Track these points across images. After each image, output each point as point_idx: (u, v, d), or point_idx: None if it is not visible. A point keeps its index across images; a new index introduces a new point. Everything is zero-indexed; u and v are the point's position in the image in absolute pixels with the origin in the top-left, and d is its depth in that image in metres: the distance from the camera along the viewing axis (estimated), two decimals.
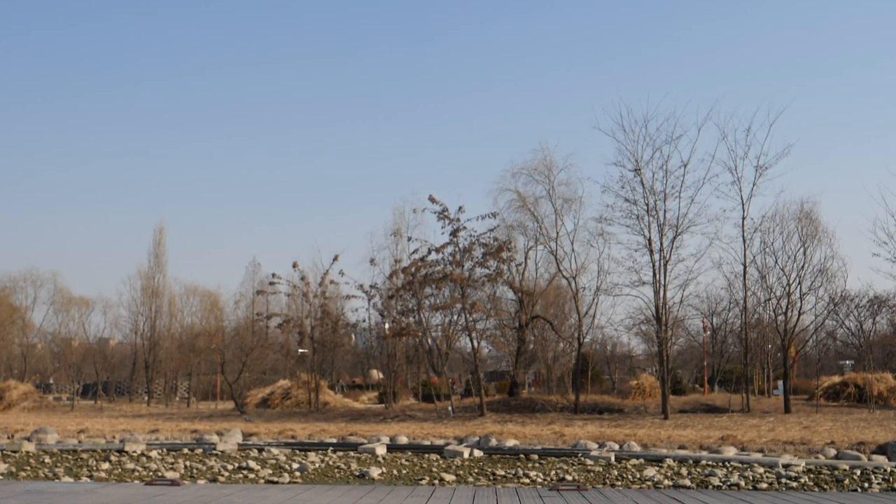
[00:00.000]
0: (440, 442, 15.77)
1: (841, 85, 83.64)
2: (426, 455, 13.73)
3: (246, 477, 10.81)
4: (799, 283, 26.06)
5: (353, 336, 36.60)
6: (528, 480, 10.38)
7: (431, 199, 25.61)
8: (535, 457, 13.26)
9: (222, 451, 14.36)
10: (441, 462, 12.71)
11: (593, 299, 28.18)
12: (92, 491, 4.80)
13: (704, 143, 57.02)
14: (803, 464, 11.63)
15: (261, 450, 14.73)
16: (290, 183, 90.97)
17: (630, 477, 10.62)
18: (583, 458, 12.80)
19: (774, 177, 36.38)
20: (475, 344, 27.04)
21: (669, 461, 12.34)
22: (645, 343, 35.43)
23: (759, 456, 12.97)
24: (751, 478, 10.38)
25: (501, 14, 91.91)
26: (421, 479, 10.45)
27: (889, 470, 11.09)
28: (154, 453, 13.95)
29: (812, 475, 10.70)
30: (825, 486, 9.79)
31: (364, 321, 32.14)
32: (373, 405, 33.04)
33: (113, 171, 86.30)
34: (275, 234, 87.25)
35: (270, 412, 29.70)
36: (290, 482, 10.13)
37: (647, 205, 24.58)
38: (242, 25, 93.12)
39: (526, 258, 30.42)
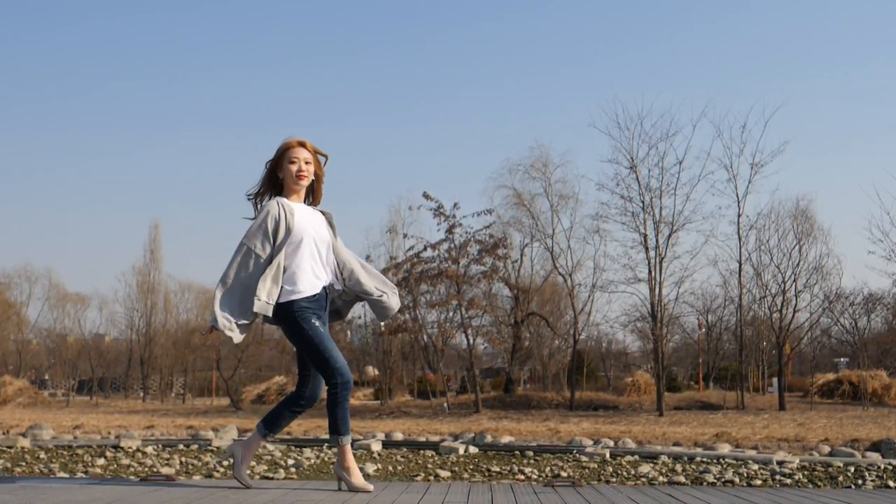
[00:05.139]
0: (435, 438, 15.78)
1: (837, 82, 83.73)
2: (421, 451, 13.75)
3: None
4: (794, 280, 26.14)
5: (349, 332, 36.55)
6: (523, 477, 10.39)
7: (426, 196, 25.51)
8: (531, 453, 13.28)
9: (218, 447, 14.36)
10: (436, 458, 12.71)
11: (589, 296, 28.24)
12: (87, 486, 4.79)
13: (700, 141, 56.89)
14: (797, 461, 11.66)
15: None
16: None
17: (625, 473, 10.64)
18: (578, 455, 12.82)
19: (770, 174, 36.46)
20: (471, 341, 27.06)
21: (664, 458, 12.37)
22: (640, 340, 35.50)
23: (753, 453, 13.01)
24: (745, 475, 10.41)
25: (498, 13, 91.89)
26: (416, 476, 10.46)
27: (883, 467, 11.13)
28: (149, 449, 13.94)
29: (806, 472, 10.73)
30: (819, 483, 9.83)
31: (359, 318, 32.15)
32: (368, 402, 33.05)
33: (108, 168, 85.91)
34: None
35: (266, 408, 29.69)
36: (285, 478, 10.14)
37: (643, 202, 24.60)
38: (238, 25, 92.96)
39: (522, 255, 30.42)
